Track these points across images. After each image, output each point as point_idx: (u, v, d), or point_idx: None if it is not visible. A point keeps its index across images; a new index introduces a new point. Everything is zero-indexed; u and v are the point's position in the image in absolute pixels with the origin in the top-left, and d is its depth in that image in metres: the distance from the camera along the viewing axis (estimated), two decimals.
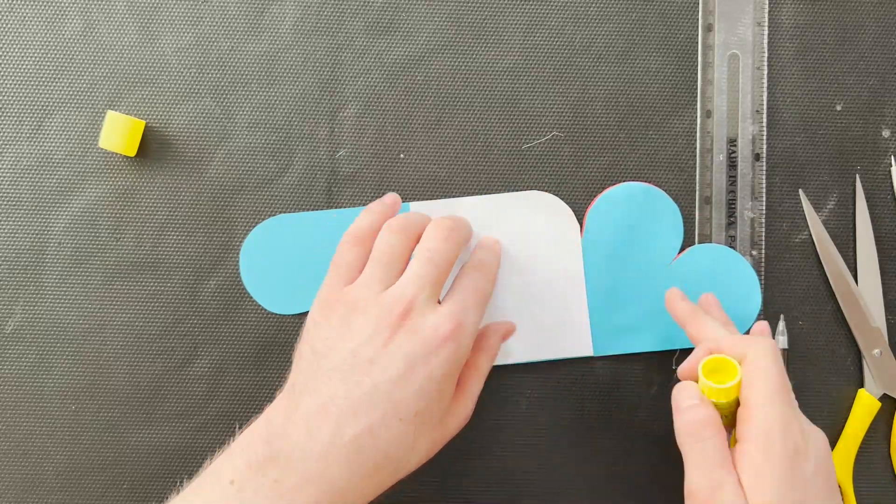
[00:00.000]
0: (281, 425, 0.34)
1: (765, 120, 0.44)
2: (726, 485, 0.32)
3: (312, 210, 0.44)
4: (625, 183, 0.44)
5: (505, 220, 0.44)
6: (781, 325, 0.44)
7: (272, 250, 0.44)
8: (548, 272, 0.44)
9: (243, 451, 0.34)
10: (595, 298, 0.44)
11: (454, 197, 0.44)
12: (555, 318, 0.44)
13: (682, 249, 0.44)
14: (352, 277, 0.37)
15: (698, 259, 0.44)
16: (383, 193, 0.44)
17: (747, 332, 0.44)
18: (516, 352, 0.44)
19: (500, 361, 0.44)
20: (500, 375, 0.44)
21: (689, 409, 0.35)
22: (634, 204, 0.44)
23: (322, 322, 0.36)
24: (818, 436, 0.35)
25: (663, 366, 0.44)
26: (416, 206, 0.44)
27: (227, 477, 0.33)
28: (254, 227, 0.44)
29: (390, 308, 0.35)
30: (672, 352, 0.44)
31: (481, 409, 0.44)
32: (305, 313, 0.43)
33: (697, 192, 0.44)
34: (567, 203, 0.44)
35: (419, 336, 0.35)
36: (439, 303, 0.37)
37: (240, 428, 0.36)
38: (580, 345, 0.44)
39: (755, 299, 0.43)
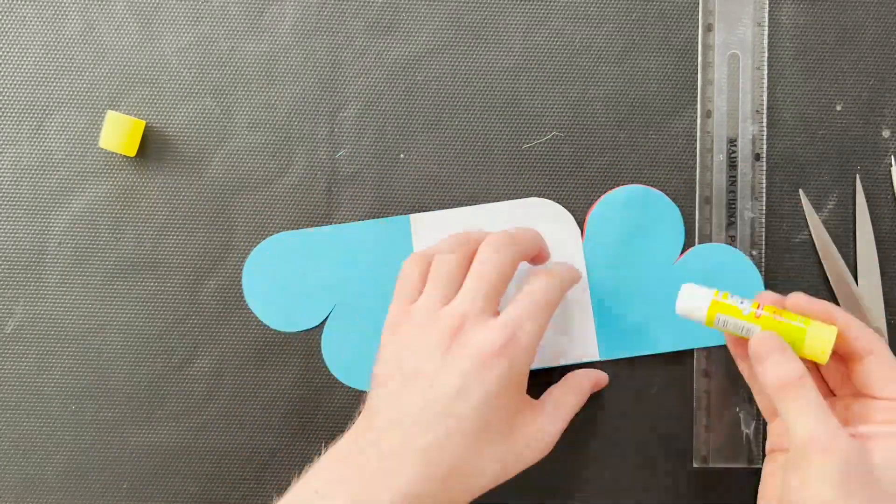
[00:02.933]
0: (355, 442, 0.36)
1: (765, 120, 0.44)
2: (842, 433, 0.33)
3: (312, 212, 0.44)
4: (624, 186, 0.44)
5: (505, 228, 0.44)
6: None
7: (274, 269, 0.44)
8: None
9: (323, 469, 0.36)
10: (599, 303, 0.44)
11: (455, 202, 0.44)
12: (560, 325, 0.44)
13: (683, 250, 0.44)
14: (415, 296, 0.39)
15: (701, 259, 0.44)
16: (383, 194, 0.44)
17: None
18: None
19: None
20: None
21: (788, 361, 0.35)
22: (634, 207, 0.44)
23: (389, 342, 0.38)
24: None
25: (663, 367, 0.44)
26: (417, 218, 0.44)
27: (312, 486, 0.36)
28: (253, 229, 0.44)
29: (444, 326, 0.36)
30: (676, 353, 0.44)
31: None
32: (309, 330, 0.44)
33: (697, 193, 0.44)
34: (567, 203, 0.44)
35: (470, 352, 0.35)
36: (499, 313, 0.37)
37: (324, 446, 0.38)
38: (586, 350, 0.44)
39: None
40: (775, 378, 0.35)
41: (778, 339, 0.36)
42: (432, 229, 0.44)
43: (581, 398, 0.41)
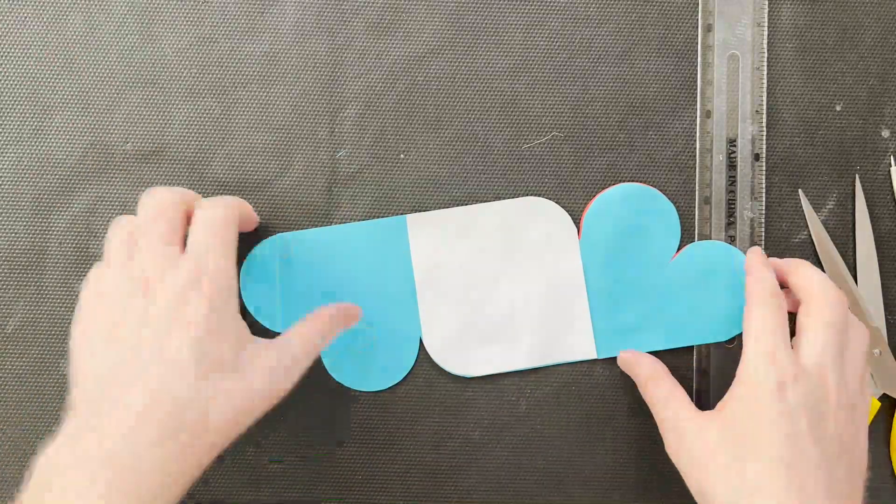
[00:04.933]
0: (69, 441, 0.34)
1: (764, 120, 0.44)
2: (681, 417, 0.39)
3: (312, 212, 0.44)
4: (620, 184, 0.44)
5: (502, 227, 0.44)
6: None
7: (272, 269, 0.44)
8: (548, 277, 0.44)
9: (45, 470, 0.33)
10: (596, 301, 0.44)
11: (455, 202, 0.44)
12: (557, 323, 0.44)
13: (679, 247, 0.44)
14: (103, 285, 0.37)
15: (696, 256, 0.44)
16: (383, 194, 0.44)
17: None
18: (521, 359, 0.44)
19: (505, 369, 0.44)
20: (500, 376, 0.44)
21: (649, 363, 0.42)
22: (630, 205, 0.44)
23: (80, 333, 0.37)
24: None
25: None
26: (413, 218, 0.44)
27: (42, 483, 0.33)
28: (254, 239, 0.44)
29: (135, 279, 0.36)
30: (674, 351, 0.44)
31: (481, 408, 0.44)
32: None
33: (697, 193, 0.44)
34: (567, 203, 0.44)
35: (164, 298, 0.35)
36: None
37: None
38: (583, 348, 0.44)
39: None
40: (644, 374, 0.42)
41: (631, 352, 0.43)
42: (429, 229, 0.44)
43: (324, 327, 0.39)
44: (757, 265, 0.40)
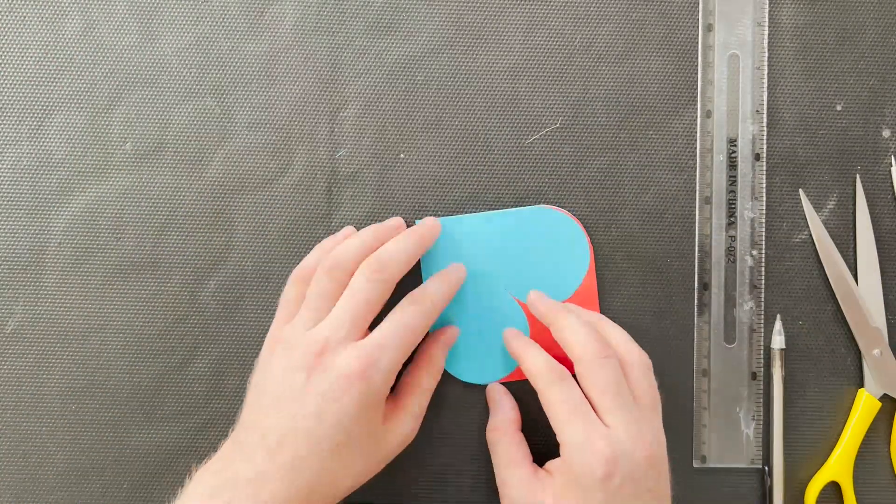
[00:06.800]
0: (227, 458, 0.37)
1: (765, 120, 0.44)
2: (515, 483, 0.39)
3: (312, 212, 0.44)
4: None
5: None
6: (778, 324, 0.44)
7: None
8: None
9: (197, 485, 0.37)
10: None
11: (455, 202, 0.44)
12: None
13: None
14: (291, 317, 0.40)
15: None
16: (383, 194, 0.44)
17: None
18: None
19: (516, 377, 0.44)
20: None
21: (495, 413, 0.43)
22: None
23: (263, 360, 0.40)
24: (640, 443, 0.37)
25: (663, 367, 0.44)
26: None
27: None
28: (253, 229, 0.44)
29: (308, 349, 0.37)
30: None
31: (481, 408, 0.44)
32: None
33: (697, 192, 0.44)
34: (567, 204, 0.44)
35: (330, 375, 0.37)
36: (368, 333, 0.39)
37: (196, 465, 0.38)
38: None
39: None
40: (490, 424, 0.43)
41: (498, 389, 0.43)
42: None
43: (436, 372, 0.42)
44: (522, 347, 0.41)
